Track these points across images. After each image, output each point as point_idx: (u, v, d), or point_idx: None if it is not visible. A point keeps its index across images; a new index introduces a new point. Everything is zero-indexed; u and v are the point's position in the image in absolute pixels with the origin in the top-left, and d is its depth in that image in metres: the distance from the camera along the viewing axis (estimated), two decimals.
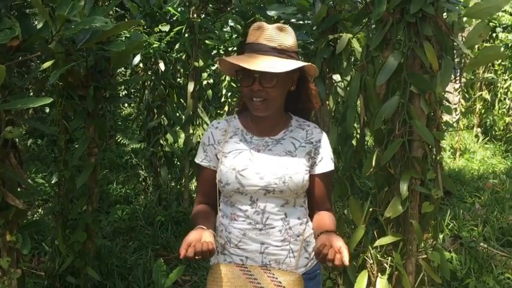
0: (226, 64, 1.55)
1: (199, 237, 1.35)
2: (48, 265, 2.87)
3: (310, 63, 1.53)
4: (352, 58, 2.94)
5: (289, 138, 1.57)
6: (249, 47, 1.51)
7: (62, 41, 1.99)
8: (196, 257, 1.30)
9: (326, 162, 1.58)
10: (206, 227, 1.44)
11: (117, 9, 4.58)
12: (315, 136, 1.59)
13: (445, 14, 2.20)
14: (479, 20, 2.15)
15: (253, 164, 1.51)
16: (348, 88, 2.46)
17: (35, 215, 4.24)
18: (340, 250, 1.29)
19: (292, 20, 3.29)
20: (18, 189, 1.97)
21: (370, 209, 2.36)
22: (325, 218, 1.59)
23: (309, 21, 2.95)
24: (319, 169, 1.58)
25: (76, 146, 2.75)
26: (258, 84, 1.45)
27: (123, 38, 3.57)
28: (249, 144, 1.56)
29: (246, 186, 1.49)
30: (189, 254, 1.29)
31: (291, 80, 1.53)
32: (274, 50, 1.48)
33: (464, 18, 2.44)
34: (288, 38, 1.51)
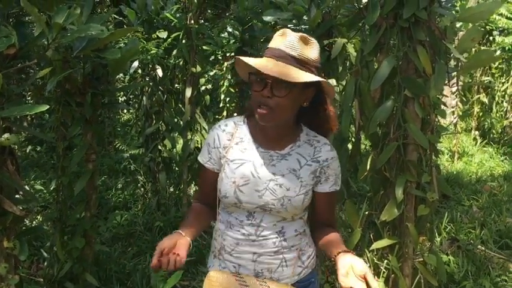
0: (242, 65, 1.49)
1: (173, 245, 1.33)
2: (47, 271, 2.88)
3: (326, 81, 1.45)
4: (348, 63, 2.96)
5: (295, 155, 1.51)
6: (269, 52, 1.44)
7: (58, 48, 2.01)
8: (164, 269, 1.29)
9: (331, 183, 1.54)
10: (189, 230, 1.42)
11: (115, 16, 4.61)
12: (322, 155, 1.52)
13: (438, 18, 2.23)
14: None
15: (254, 180, 1.47)
16: (343, 92, 2.48)
17: (34, 222, 4.25)
18: (366, 276, 1.27)
19: (290, 26, 3.31)
20: (16, 196, 1.98)
21: (366, 212, 2.37)
22: (332, 236, 1.54)
23: (305, 27, 2.97)
24: (323, 188, 1.53)
25: (74, 152, 2.76)
26: (269, 90, 1.38)
27: (122, 44, 3.59)
28: (253, 155, 1.51)
29: (244, 202, 1.47)
30: (161, 267, 1.28)
31: (304, 95, 1.45)
32: (292, 58, 1.40)
33: (459, 23, 2.46)
34: (310, 51, 1.44)
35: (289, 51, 1.40)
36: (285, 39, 1.42)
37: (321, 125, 1.58)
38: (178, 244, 1.34)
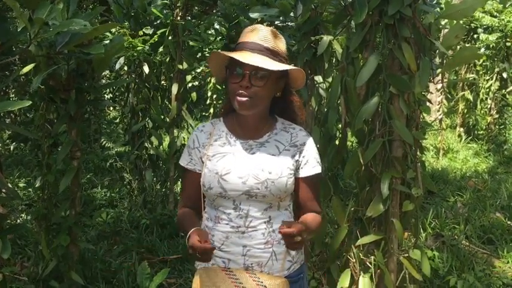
0: (217, 59, 1.55)
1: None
2: (32, 270, 2.85)
3: (300, 69, 1.54)
4: (334, 59, 2.96)
5: (273, 142, 1.57)
6: (243, 46, 1.51)
7: (41, 44, 1.98)
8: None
9: (311, 166, 1.58)
10: (194, 225, 1.51)
11: (102, 12, 4.56)
12: (299, 139, 1.58)
13: (423, 15, 2.24)
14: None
15: (236, 168, 1.50)
16: (330, 89, 2.48)
17: (19, 220, 4.20)
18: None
19: (276, 22, 3.31)
20: None
21: (353, 209, 2.39)
22: (307, 215, 1.60)
23: (292, 23, 2.97)
24: (304, 172, 1.57)
25: (59, 150, 2.73)
26: (248, 80, 1.45)
27: (108, 41, 3.55)
28: (232, 147, 1.55)
29: (229, 190, 1.49)
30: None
31: (278, 85, 1.53)
32: (268, 50, 1.48)
33: (444, 20, 2.48)
34: (281, 44, 1.54)
35: (264, 43, 1.50)
36: (258, 33, 1.51)
37: (291, 116, 1.66)
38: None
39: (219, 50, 1.55)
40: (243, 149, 1.55)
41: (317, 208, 1.63)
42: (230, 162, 1.52)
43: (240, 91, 1.46)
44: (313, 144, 1.62)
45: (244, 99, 1.46)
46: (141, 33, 4.20)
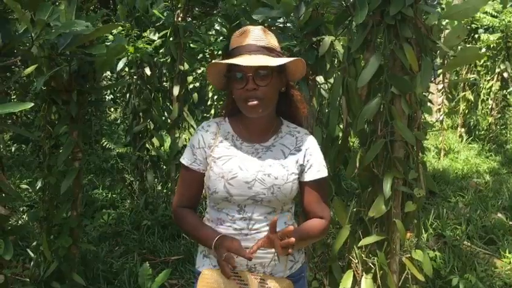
0: (215, 70, 1.54)
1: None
2: (33, 271, 2.85)
3: (299, 58, 1.52)
4: (336, 60, 2.96)
5: (279, 145, 1.56)
6: (237, 51, 1.49)
7: (43, 45, 1.98)
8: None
9: (316, 170, 1.57)
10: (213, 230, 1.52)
11: (107, 11, 4.56)
12: (304, 143, 1.58)
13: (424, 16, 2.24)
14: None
15: (242, 173, 1.49)
16: (331, 90, 2.48)
17: (20, 221, 4.20)
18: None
19: (279, 21, 3.30)
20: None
21: (355, 209, 2.38)
22: (307, 222, 1.59)
23: (290, 24, 2.96)
24: (308, 176, 1.56)
25: (61, 151, 2.73)
26: (253, 83, 1.44)
27: (110, 42, 3.56)
28: (238, 150, 1.54)
29: (234, 195, 1.49)
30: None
31: (280, 80, 1.53)
32: (264, 48, 1.48)
33: (445, 20, 2.48)
34: (273, 39, 1.54)
35: (258, 43, 1.49)
36: (250, 34, 1.51)
37: (293, 111, 1.64)
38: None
39: (217, 60, 1.52)
40: (249, 153, 1.54)
41: (323, 212, 1.60)
42: (236, 166, 1.50)
43: (249, 95, 1.45)
44: (318, 148, 1.61)
45: (255, 102, 1.45)
46: (145, 34, 4.21)
